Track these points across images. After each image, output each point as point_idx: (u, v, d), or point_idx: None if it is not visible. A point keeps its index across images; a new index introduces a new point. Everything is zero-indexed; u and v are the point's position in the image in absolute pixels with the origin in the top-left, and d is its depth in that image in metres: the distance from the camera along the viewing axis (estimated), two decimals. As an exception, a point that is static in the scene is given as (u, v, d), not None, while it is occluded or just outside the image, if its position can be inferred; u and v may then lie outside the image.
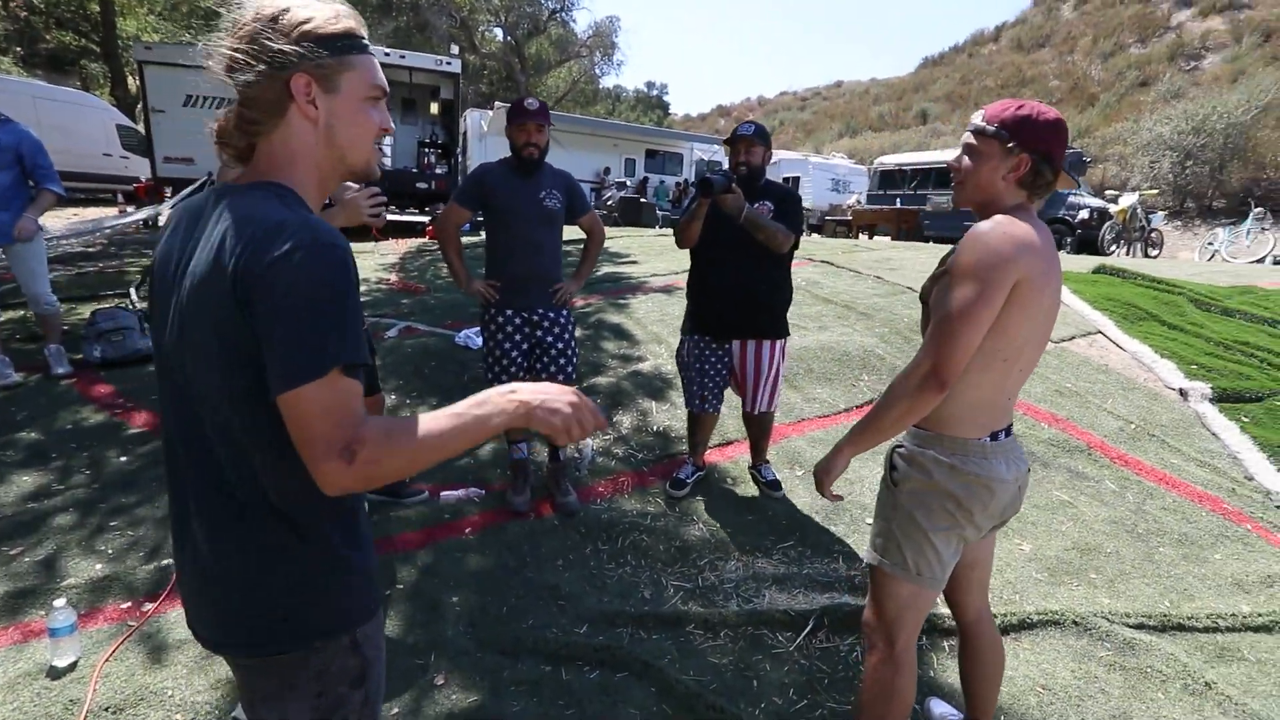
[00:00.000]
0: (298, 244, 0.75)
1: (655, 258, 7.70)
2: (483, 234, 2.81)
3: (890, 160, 17.17)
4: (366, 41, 0.90)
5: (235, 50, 0.83)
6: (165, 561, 2.38)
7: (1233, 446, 3.52)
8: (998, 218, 1.29)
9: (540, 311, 2.71)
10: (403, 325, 5.02)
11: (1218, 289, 6.28)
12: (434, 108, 12.33)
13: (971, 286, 1.24)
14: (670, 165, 19.95)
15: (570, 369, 2.76)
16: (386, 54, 10.56)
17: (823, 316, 5.16)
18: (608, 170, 18.06)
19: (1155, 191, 15.16)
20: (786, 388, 3.89)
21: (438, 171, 11.44)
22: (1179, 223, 16.12)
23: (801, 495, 2.94)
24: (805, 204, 19.24)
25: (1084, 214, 11.60)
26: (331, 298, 0.76)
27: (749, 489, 3.00)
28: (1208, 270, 8.15)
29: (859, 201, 17.56)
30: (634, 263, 7.50)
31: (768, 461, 3.02)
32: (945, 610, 2.11)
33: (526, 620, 2.14)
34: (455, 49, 11.56)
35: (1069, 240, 11.82)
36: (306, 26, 0.83)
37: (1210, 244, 11.95)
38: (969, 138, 1.39)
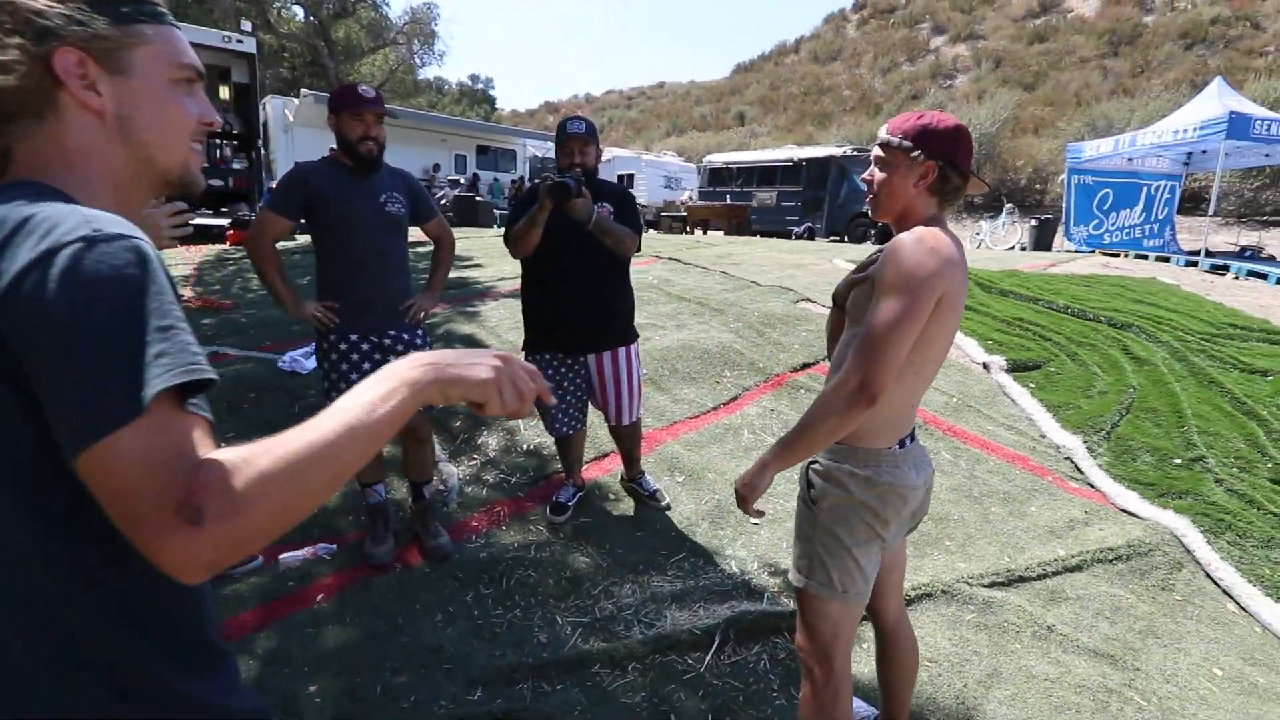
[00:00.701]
0: (63, 238, 0.52)
1: (500, 259, 7.34)
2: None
3: (718, 159, 18.18)
4: (163, 9, 0.67)
5: None
6: None
7: (1028, 410, 4.12)
8: (919, 230, 1.29)
9: (392, 334, 2.37)
10: (206, 352, 4.22)
11: (992, 273, 7.40)
12: (224, 92, 10.70)
13: (899, 300, 1.22)
14: (504, 162, 19.38)
15: (432, 396, 2.45)
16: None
17: (679, 314, 5.23)
18: (437, 167, 17.08)
19: (933, 189, 17.63)
20: (654, 390, 3.86)
21: (235, 167, 9.97)
22: (951, 216, 18.97)
23: (685, 503, 2.90)
24: (641, 200, 19.75)
25: (882, 209, 13.17)
26: (130, 303, 0.53)
27: (631, 503, 2.90)
28: (981, 257, 9.61)
29: (691, 198, 18.38)
30: (478, 266, 7.09)
31: (644, 472, 2.94)
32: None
33: (409, 697, 1.84)
34: (247, 25, 10.08)
35: (872, 231, 13.32)
36: None
37: (978, 234, 14.20)
38: (877, 152, 1.40)
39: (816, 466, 1.44)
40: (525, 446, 3.24)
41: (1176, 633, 2.41)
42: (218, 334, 4.57)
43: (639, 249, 2.59)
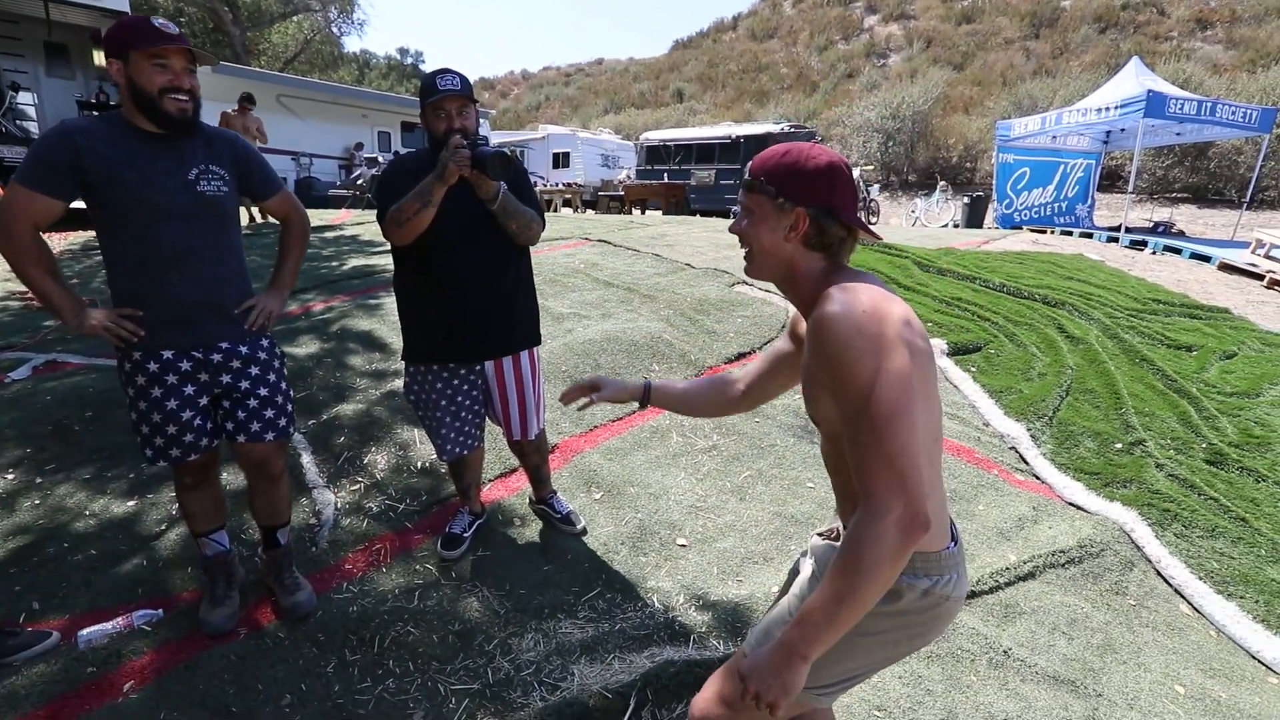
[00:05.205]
0: None
1: (418, 245, 6.74)
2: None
3: (655, 136, 17.72)
4: None
5: None
6: None
7: (970, 396, 3.95)
8: (835, 296, 0.98)
9: (224, 346, 1.86)
10: (40, 360, 3.57)
11: (929, 251, 7.31)
12: (99, 57, 9.49)
13: (886, 383, 0.91)
14: (432, 140, 18.33)
15: (284, 423, 1.96)
16: (2, -21, 7.79)
17: (605, 302, 4.83)
18: (360, 145, 15.98)
19: (872, 167, 17.76)
20: (576, 391, 3.47)
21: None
22: (887, 193, 19.19)
23: (603, 525, 2.54)
24: (578, 180, 19.07)
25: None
26: None
27: (539, 527, 2.51)
28: (916, 235, 9.59)
29: (629, 177, 17.89)
30: (389, 253, 6.47)
31: (555, 492, 2.55)
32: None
33: (221, 829, 1.41)
34: (119, -19, 8.90)
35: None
36: None
37: (913, 212, 14.32)
38: (743, 196, 1.12)
39: None
40: (419, 465, 2.80)
41: (1134, 644, 2.23)
42: (60, 338, 3.89)
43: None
